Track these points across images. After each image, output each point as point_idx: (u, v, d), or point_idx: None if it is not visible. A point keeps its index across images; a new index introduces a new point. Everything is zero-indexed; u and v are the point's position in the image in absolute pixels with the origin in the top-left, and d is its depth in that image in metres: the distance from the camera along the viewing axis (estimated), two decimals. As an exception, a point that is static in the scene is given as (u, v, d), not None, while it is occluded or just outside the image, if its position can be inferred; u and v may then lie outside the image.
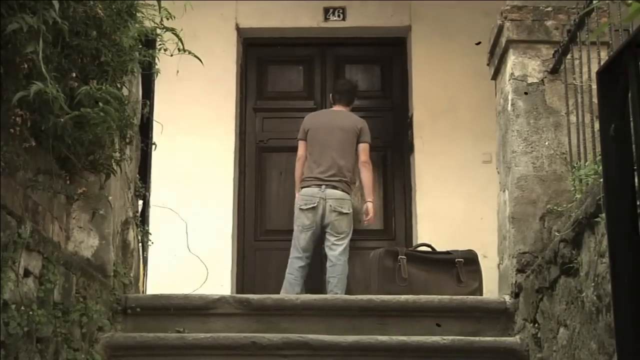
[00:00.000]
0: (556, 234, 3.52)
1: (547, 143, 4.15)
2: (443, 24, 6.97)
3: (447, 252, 5.44)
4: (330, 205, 5.83)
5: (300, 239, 5.87)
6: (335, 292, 5.61)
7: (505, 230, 4.28)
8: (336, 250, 5.81)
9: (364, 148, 6.04)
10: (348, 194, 5.96)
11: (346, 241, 5.87)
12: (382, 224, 7.16)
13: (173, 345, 4.06)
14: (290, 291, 5.65)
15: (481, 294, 5.15)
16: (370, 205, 6.05)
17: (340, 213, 5.83)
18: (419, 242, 6.69)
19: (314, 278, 6.14)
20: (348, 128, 6.06)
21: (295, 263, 5.85)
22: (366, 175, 6.04)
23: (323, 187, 5.85)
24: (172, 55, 3.91)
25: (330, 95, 6.55)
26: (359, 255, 6.28)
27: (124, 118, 3.62)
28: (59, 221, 3.70)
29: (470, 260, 5.31)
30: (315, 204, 5.82)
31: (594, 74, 2.80)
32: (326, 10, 7.21)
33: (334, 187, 5.87)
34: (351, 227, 5.95)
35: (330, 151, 5.98)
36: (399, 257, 5.32)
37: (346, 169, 5.97)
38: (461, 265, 5.27)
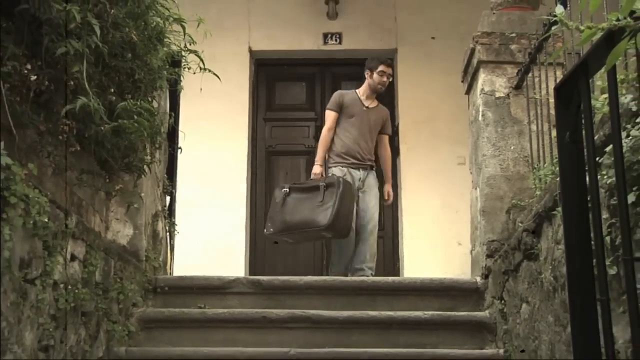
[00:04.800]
0: (520, 224, 3.53)
1: (512, 148, 4.15)
2: (424, 47, 6.97)
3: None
4: None
5: None
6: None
7: (477, 221, 4.28)
8: None
9: None
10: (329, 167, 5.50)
11: None
12: (373, 216, 7.16)
13: (195, 319, 4.07)
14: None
15: (334, 209, 5.00)
16: None
17: None
18: (404, 232, 6.72)
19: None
20: None
21: None
22: None
23: None
24: (194, 73, 3.92)
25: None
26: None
27: (154, 127, 3.63)
28: (99, 214, 3.71)
29: (330, 184, 5.15)
30: None
31: (552, 90, 2.81)
32: (325, 36, 7.22)
33: None
34: None
35: None
36: (283, 189, 5.25)
37: None
38: (323, 189, 5.16)
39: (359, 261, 5.21)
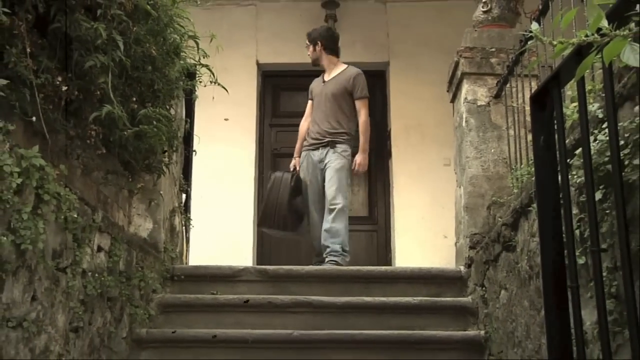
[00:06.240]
0: (499, 219, 3.53)
1: (492, 150, 4.16)
2: (414, 60, 6.98)
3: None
4: None
5: None
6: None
7: (461, 216, 4.29)
8: None
9: None
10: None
11: None
12: (367, 212, 7.18)
13: (208, 304, 4.08)
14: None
15: (262, 206, 5.04)
16: None
17: None
18: (396, 226, 6.72)
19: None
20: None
21: None
22: None
23: None
24: (205, 86, 3.92)
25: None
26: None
27: (171, 132, 3.64)
28: (123, 210, 3.73)
29: None
30: None
31: (528, 99, 2.83)
32: (325, 50, 7.21)
33: None
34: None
35: None
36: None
37: None
38: None
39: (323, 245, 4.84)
